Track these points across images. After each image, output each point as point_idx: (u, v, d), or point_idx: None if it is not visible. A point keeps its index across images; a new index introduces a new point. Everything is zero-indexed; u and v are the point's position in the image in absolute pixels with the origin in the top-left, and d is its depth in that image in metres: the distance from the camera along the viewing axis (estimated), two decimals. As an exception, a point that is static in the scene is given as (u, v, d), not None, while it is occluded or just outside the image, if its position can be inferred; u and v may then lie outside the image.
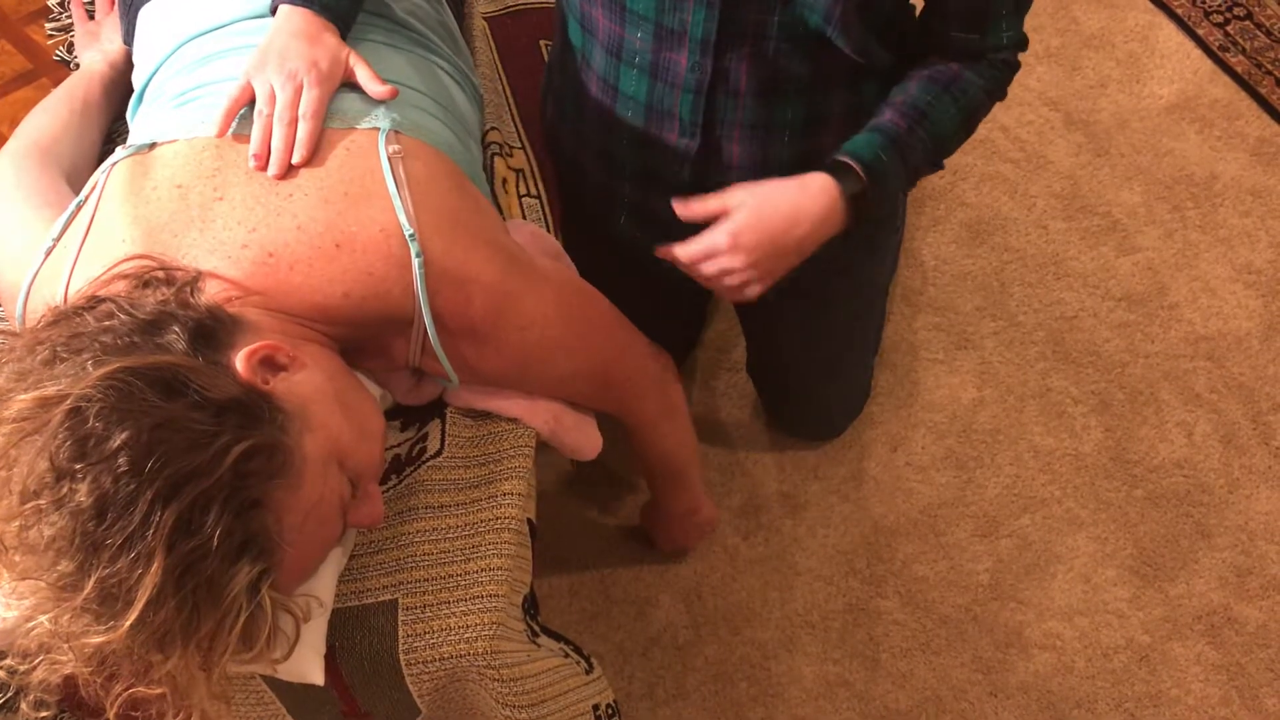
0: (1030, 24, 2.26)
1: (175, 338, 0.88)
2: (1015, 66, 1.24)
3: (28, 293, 1.04)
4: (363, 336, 1.05)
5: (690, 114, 1.26)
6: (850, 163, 1.19)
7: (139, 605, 0.78)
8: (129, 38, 1.35)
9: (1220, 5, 2.29)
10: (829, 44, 1.16)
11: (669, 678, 1.59)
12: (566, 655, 1.22)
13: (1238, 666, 1.60)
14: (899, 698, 1.58)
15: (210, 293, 0.95)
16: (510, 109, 1.44)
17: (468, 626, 1.02)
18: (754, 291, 1.21)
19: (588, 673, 1.26)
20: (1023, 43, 1.24)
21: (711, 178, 1.32)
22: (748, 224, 1.18)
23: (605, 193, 1.42)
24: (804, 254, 1.21)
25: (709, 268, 1.19)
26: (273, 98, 1.04)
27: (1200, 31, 2.24)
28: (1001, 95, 1.27)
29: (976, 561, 1.68)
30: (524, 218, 1.30)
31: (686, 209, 1.20)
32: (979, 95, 1.23)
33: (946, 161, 1.29)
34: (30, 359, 0.86)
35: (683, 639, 1.62)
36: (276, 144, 1.02)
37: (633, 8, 1.20)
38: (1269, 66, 2.19)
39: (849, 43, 1.17)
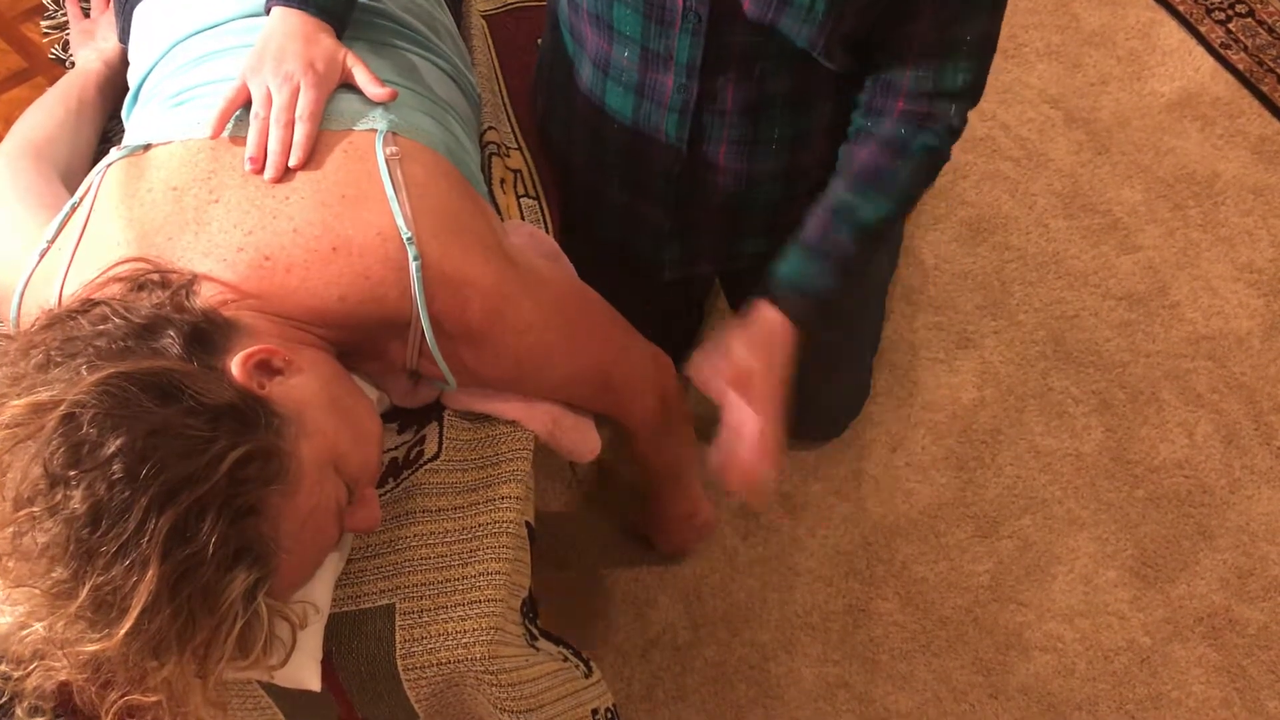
0: (1030, 21, 2.28)
1: (170, 342, 0.87)
2: (957, 131, 1.21)
3: (22, 295, 1.03)
4: (359, 340, 1.05)
5: (676, 131, 1.26)
6: (786, 294, 1.23)
7: (134, 613, 0.78)
8: (124, 36, 1.34)
9: (1222, 2, 2.28)
10: (813, 64, 1.17)
11: (668, 679, 1.59)
12: (565, 659, 1.22)
13: (1239, 668, 1.59)
14: (899, 699, 1.57)
15: (205, 296, 0.95)
16: (507, 109, 1.43)
17: (465, 631, 1.01)
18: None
19: (587, 676, 1.26)
20: (975, 90, 1.19)
21: (697, 187, 1.32)
22: (773, 412, 1.22)
23: (593, 192, 1.42)
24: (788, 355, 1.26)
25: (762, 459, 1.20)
26: (269, 100, 1.03)
27: (1202, 29, 2.23)
28: (945, 158, 1.24)
29: (977, 562, 1.68)
30: (522, 218, 1.29)
31: (702, 386, 1.23)
32: (906, 183, 1.22)
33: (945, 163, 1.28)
34: (24, 363, 0.85)
35: (682, 640, 1.62)
36: (273, 146, 1.01)
37: (619, 29, 1.20)
38: (1271, 64, 2.19)
39: (834, 63, 1.17)
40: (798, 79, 1.20)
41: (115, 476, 0.78)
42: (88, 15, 1.48)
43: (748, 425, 1.19)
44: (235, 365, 0.88)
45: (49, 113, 1.29)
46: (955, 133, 1.22)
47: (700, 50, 1.18)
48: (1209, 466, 1.76)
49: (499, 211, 1.26)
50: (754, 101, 1.23)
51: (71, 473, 0.78)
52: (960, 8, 1.11)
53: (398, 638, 1.01)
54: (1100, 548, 1.69)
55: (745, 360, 1.21)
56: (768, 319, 1.23)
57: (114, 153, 1.06)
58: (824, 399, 1.73)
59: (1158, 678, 1.59)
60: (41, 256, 1.03)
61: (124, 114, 1.26)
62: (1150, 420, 1.80)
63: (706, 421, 1.79)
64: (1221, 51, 2.20)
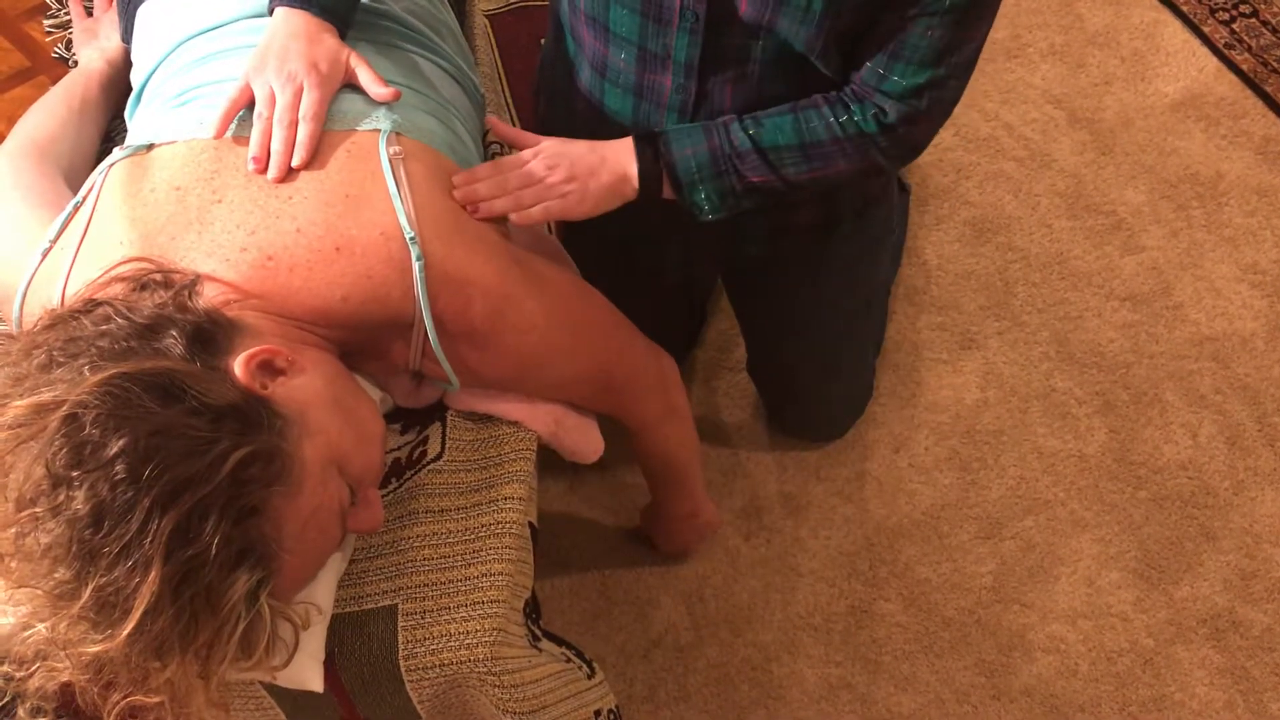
0: (1034, 21, 2.28)
1: (173, 342, 0.87)
2: (887, 123, 1.18)
3: (24, 294, 1.03)
4: (362, 339, 1.05)
5: None
6: (655, 135, 1.22)
7: (136, 614, 0.78)
8: (127, 35, 1.34)
9: (1226, 2, 2.27)
10: (810, 64, 1.16)
11: (670, 680, 1.58)
12: (568, 660, 1.22)
13: (1242, 670, 1.59)
14: (901, 701, 1.57)
15: (208, 296, 0.94)
16: (510, 109, 1.43)
17: (468, 633, 1.01)
18: (557, 178, 1.19)
19: (589, 678, 1.26)
20: (923, 99, 1.16)
21: None
22: (551, 143, 1.21)
23: None
24: (614, 179, 1.21)
25: (514, 174, 1.16)
26: (272, 100, 1.03)
27: (1206, 29, 2.23)
28: (872, 156, 1.21)
29: (980, 564, 1.68)
30: (526, 220, 1.29)
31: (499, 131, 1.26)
32: (822, 136, 1.19)
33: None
34: (27, 363, 0.85)
35: (684, 641, 1.61)
36: (276, 146, 1.01)
37: (616, 31, 1.20)
38: (1275, 64, 2.18)
39: (830, 67, 1.17)
40: (795, 80, 1.20)
41: (118, 477, 0.78)
42: (91, 14, 1.48)
43: (528, 152, 1.19)
44: (238, 365, 0.88)
45: (52, 112, 1.29)
46: (886, 129, 1.19)
47: (698, 49, 1.17)
48: (1212, 468, 1.76)
49: (502, 212, 1.26)
50: (751, 102, 1.22)
51: (74, 473, 0.78)
52: (931, 4, 1.09)
53: (400, 639, 1.01)
54: (1103, 549, 1.69)
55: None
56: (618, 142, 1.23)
57: (117, 152, 1.06)
58: (826, 400, 1.73)
59: (1161, 679, 1.58)
60: (44, 256, 1.03)
61: (127, 114, 1.26)
62: (1154, 421, 1.80)
63: (708, 422, 1.80)
64: (1225, 52, 2.20)
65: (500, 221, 1.15)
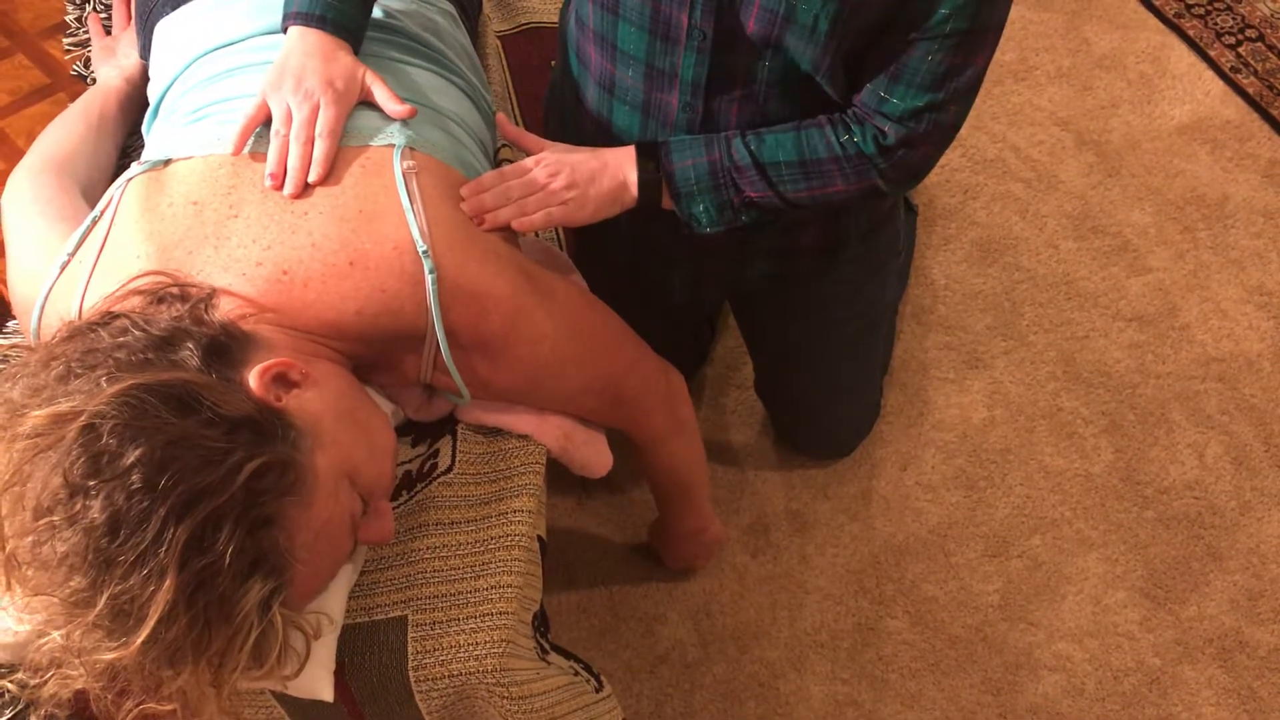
0: (1041, 44, 2.30)
1: (189, 354, 0.88)
2: (886, 145, 1.18)
3: (43, 307, 1.04)
4: (375, 353, 1.06)
5: None
6: (658, 144, 1.23)
7: (151, 622, 0.78)
8: (145, 53, 1.36)
9: (1232, 27, 2.29)
10: (816, 85, 1.17)
11: (677, 696, 1.59)
12: (576, 674, 1.22)
13: (1249, 690, 1.59)
14: (908, 718, 1.57)
15: (224, 310, 0.96)
16: (521, 128, 1.44)
17: (477, 644, 1.02)
18: (559, 184, 1.19)
19: (597, 691, 1.26)
20: (923, 120, 1.16)
21: None
22: (553, 149, 1.23)
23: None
24: (614, 185, 1.21)
25: (516, 183, 1.17)
26: (289, 117, 1.05)
27: (1212, 53, 2.25)
28: (870, 177, 1.21)
29: (986, 582, 1.68)
30: (536, 235, 1.30)
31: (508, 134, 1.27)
32: (823, 155, 1.20)
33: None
34: (45, 374, 0.86)
35: (691, 657, 1.62)
36: (293, 163, 1.02)
37: (623, 48, 1.21)
38: (1281, 88, 2.19)
39: (836, 87, 1.18)
40: (801, 101, 1.21)
41: (134, 486, 0.79)
42: (109, 32, 1.50)
43: (530, 160, 1.20)
44: (253, 378, 0.89)
45: (70, 128, 1.31)
46: (885, 151, 1.19)
47: (705, 68, 1.18)
48: (1219, 488, 1.76)
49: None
50: (757, 123, 1.23)
51: (91, 483, 0.79)
52: (932, 29, 1.09)
53: (410, 649, 1.02)
54: (1110, 568, 1.69)
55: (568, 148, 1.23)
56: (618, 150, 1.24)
57: (135, 167, 1.08)
58: (833, 419, 1.74)
59: (1167, 699, 1.58)
60: (62, 269, 1.04)
61: (144, 130, 1.27)
62: (1160, 441, 1.80)
63: (716, 439, 1.81)
64: (1231, 75, 2.21)
65: (509, 232, 1.16)
